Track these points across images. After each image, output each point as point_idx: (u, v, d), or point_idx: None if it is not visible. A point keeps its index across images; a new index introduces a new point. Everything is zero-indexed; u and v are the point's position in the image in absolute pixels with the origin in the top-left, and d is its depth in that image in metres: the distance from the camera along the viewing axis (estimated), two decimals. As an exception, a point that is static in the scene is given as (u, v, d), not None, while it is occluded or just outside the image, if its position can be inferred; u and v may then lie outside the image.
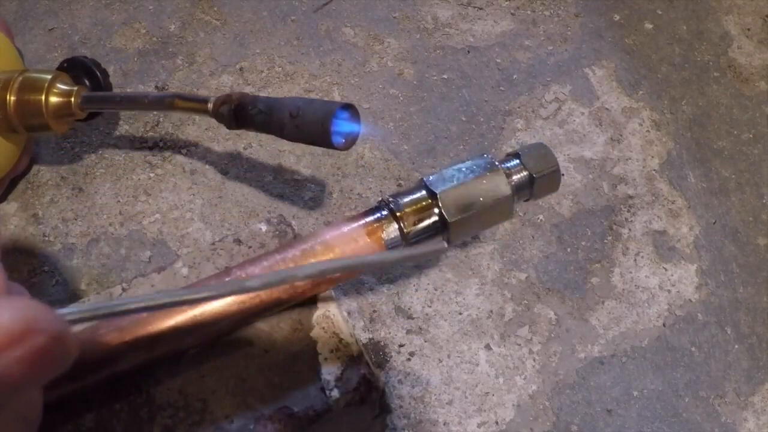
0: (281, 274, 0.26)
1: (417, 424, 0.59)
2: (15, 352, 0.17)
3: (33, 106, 0.57)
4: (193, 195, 0.69)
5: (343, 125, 0.49)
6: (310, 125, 0.49)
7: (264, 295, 0.35)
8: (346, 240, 0.37)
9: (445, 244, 0.35)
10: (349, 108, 0.49)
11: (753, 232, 0.72)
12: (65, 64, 0.67)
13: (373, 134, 0.49)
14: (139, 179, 0.70)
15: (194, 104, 0.56)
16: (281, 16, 0.84)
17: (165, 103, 0.57)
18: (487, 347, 0.63)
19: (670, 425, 0.61)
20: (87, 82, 0.66)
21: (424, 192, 0.39)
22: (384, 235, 0.38)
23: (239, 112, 0.53)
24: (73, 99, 0.58)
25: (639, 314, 0.66)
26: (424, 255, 0.34)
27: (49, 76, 0.58)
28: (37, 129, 0.59)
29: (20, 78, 0.57)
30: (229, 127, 0.55)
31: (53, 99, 0.58)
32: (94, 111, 0.64)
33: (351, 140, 0.51)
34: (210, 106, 0.55)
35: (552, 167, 0.44)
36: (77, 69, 0.66)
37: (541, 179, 0.43)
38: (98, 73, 0.66)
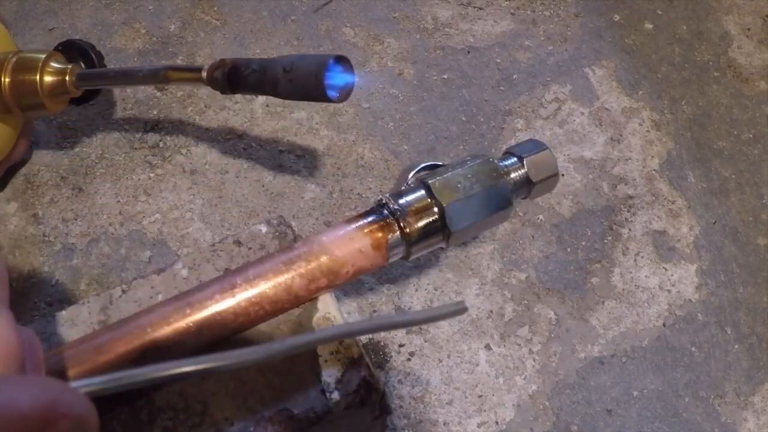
0: (307, 337, 0.26)
1: (417, 424, 0.59)
2: None
3: (28, 85, 0.57)
4: (193, 195, 0.69)
5: (337, 78, 0.49)
6: (303, 78, 0.48)
7: (269, 307, 0.35)
8: (347, 243, 0.37)
9: (466, 306, 0.35)
10: (342, 60, 0.49)
11: (753, 232, 0.72)
12: (60, 47, 0.67)
13: (368, 83, 0.49)
14: (139, 179, 0.70)
15: (188, 74, 0.56)
16: (281, 16, 0.84)
17: (159, 75, 0.57)
18: (487, 347, 0.63)
19: (670, 425, 0.61)
20: (82, 65, 0.66)
21: (423, 192, 0.39)
22: (386, 237, 0.38)
23: (233, 75, 0.53)
24: (67, 77, 0.58)
25: (639, 314, 0.66)
26: (445, 316, 0.34)
27: (42, 56, 0.58)
28: (32, 108, 0.59)
29: (14, 59, 0.57)
30: (223, 92, 0.54)
31: (48, 78, 0.58)
32: (90, 89, 0.64)
33: (346, 92, 0.50)
34: (204, 74, 0.55)
35: (552, 173, 0.44)
36: (72, 51, 0.66)
37: (540, 184, 0.43)
38: (93, 55, 0.66)
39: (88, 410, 0.15)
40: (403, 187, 0.41)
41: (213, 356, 0.25)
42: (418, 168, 0.42)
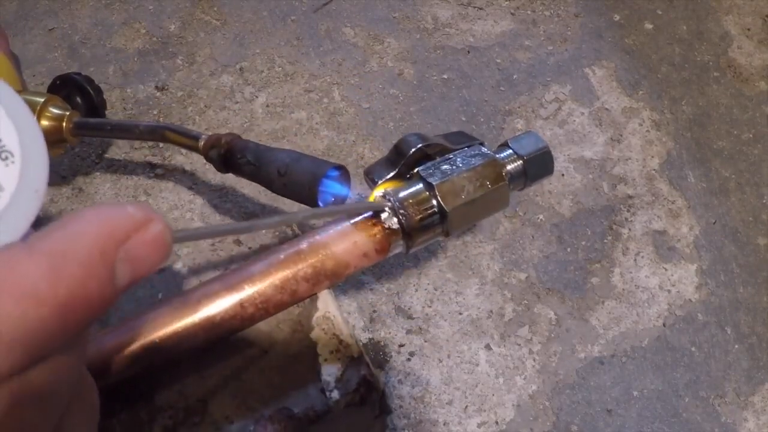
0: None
1: (417, 424, 0.59)
2: (143, 235, 0.19)
3: None
4: (193, 195, 0.69)
5: (332, 186, 0.49)
6: (297, 186, 0.48)
7: (269, 307, 0.35)
8: (347, 237, 0.37)
9: (387, 203, 0.37)
10: (338, 168, 0.49)
11: (753, 232, 0.72)
12: (58, 81, 0.67)
13: (360, 195, 0.49)
14: (139, 179, 0.70)
15: (185, 140, 0.56)
16: (281, 16, 0.84)
17: (156, 134, 0.57)
18: (487, 347, 0.63)
19: (670, 425, 0.61)
20: (79, 100, 0.66)
21: (420, 185, 0.39)
22: (388, 235, 0.38)
23: (228, 158, 0.53)
24: (65, 124, 0.58)
25: (639, 314, 0.66)
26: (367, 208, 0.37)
27: (41, 99, 0.58)
28: None
29: None
30: (218, 170, 0.55)
31: (45, 123, 0.57)
32: (86, 136, 0.64)
33: (339, 202, 0.50)
34: (200, 144, 0.55)
35: (542, 149, 0.44)
36: (70, 86, 0.66)
37: (532, 160, 0.43)
38: (91, 91, 0.66)
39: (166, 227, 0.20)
40: (394, 171, 0.41)
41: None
42: (413, 151, 0.41)
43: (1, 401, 0.18)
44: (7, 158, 0.20)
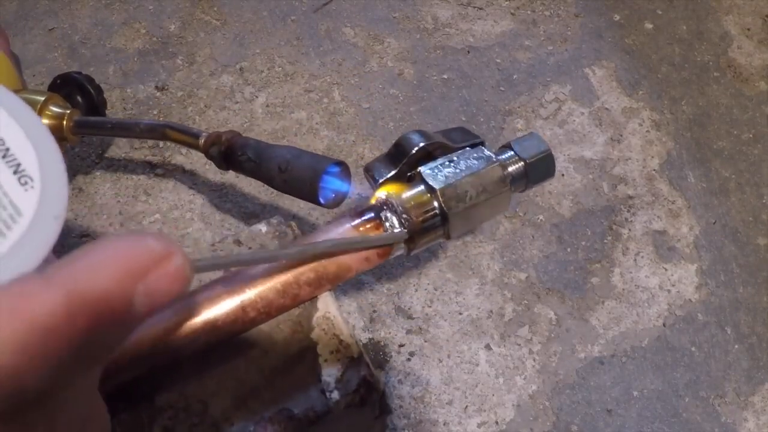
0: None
1: (417, 424, 0.59)
2: (163, 269, 0.19)
3: None
4: (193, 195, 0.69)
5: (332, 182, 0.49)
6: (298, 182, 0.48)
7: (270, 309, 0.35)
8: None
9: (405, 233, 0.37)
10: (339, 164, 0.49)
11: (753, 232, 0.72)
12: (59, 81, 0.67)
13: (361, 193, 0.49)
14: (139, 179, 0.70)
15: (186, 137, 0.57)
16: (281, 16, 0.84)
17: (157, 132, 0.57)
18: (487, 347, 0.63)
19: (670, 425, 0.61)
20: (80, 99, 0.66)
21: (422, 187, 0.39)
22: (387, 232, 0.38)
23: (228, 156, 0.53)
24: (65, 122, 0.58)
25: (639, 314, 0.66)
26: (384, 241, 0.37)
27: (42, 98, 0.58)
28: None
29: None
30: (219, 167, 0.55)
31: (45, 121, 0.57)
32: (86, 135, 0.64)
33: (339, 198, 0.50)
34: (201, 142, 0.55)
35: (544, 152, 0.44)
36: (70, 86, 0.66)
37: (534, 164, 0.43)
38: (91, 90, 0.66)
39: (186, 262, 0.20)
40: (395, 170, 0.41)
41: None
42: (415, 150, 0.41)
43: (14, 426, 0.18)
44: (26, 183, 0.19)
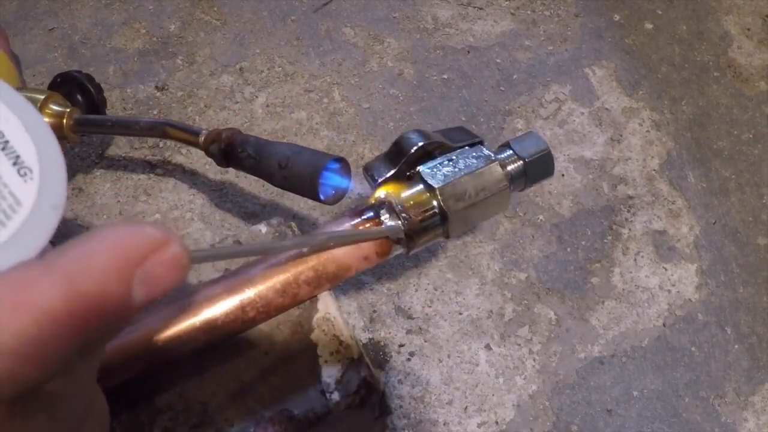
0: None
1: (417, 424, 0.59)
2: (161, 256, 0.19)
3: None
4: (193, 195, 0.69)
5: (332, 179, 0.49)
6: (298, 179, 0.48)
7: (270, 308, 0.35)
8: (353, 248, 0.37)
9: (400, 227, 0.37)
10: (339, 161, 0.49)
11: (753, 232, 0.72)
12: (59, 79, 0.67)
13: (361, 192, 0.49)
14: (139, 179, 0.70)
15: (186, 135, 0.57)
16: (281, 16, 0.84)
17: (157, 130, 0.58)
18: (487, 347, 0.63)
19: (670, 425, 0.61)
20: (80, 98, 0.66)
21: (421, 186, 0.39)
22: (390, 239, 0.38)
23: (229, 153, 0.53)
24: (65, 120, 0.58)
25: (639, 314, 0.66)
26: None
27: (42, 96, 0.58)
28: None
29: None
30: (219, 165, 0.55)
31: (45, 120, 0.57)
32: (87, 134, 0.64)
33: (339, 195, 0.50)
34: (201, 139, 0.55)
35: (543, 150, 0.44)
36: (71, 84, 0.66)
37: (533, 162, 0.43)
38: (91, 89, 0.66)
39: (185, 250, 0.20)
40: (394, 169, 0.41)
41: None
42: (414, 150, 0.41)
43: (15, 415, 0.18)
44: (25, 174, 0.19)
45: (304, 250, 0.36)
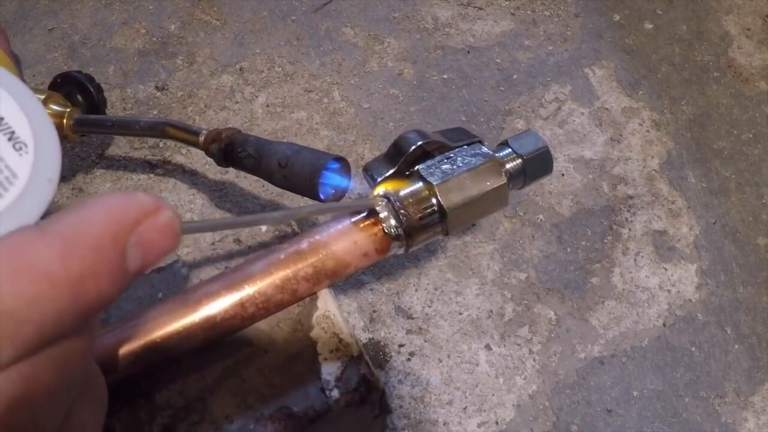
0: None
1: (417, 424, 0.59)
2: (154, 221, 0.20)
3: None
4: (193, 195, 0.69)
5: (332, 178, 0.49)
6: (298, 178, 0.48)
7: (270, 306, 0.35)
8: (348, 236, 0.37)
9: (383, 199, 0.37)
10: (339, 160, 0.49)
11: (753, 232, 0.72)
12: (59, 79, 0.67)
13: (361, 190, 0.49)
14: (139, 179, 0.70)
15: (186, 135, 0.57)
16: (281, 16, 0.84)
17: (157, 130, 0.58)
18: (487, 347, 0.63)
19: (670, 425, 0.61)
20: (80, 98, 0.66)
21: (420, 184, 0.39)
22: (385, 229, 0.38)
23: (229, 152, 0.53)
24: (65, 120, 0.58)
25: (639, 314, 0.66)
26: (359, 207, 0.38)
27: (42, 96, 0.58)
28: None
29: None
30: (219, 164, 0.55)
31: None
32: (87, 133, 0.64)
33: (339, 194, 0.50)
34: (201, 139, 0.55)
35: (542, 148, 0.44)
36: (71, 84, 0.66)
37: (531, 160, 0.43)
38: (92, 89, 0.66)
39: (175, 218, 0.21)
40: (394, 168, 0.41)
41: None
42: (413, 149, 0.41)
43: (12, 383, 0.18)
44: (20, 148, 0.20)
45: (293, 223, 0.37)
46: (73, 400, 0.22)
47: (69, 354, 0.20)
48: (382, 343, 0.63)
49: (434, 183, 0.38)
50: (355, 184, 0.50)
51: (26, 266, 0.17)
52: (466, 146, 0.42)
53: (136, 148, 0.72)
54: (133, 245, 0.20)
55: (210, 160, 0.71)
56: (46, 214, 0.20)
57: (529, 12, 0.87)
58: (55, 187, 0.20)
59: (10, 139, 0.20)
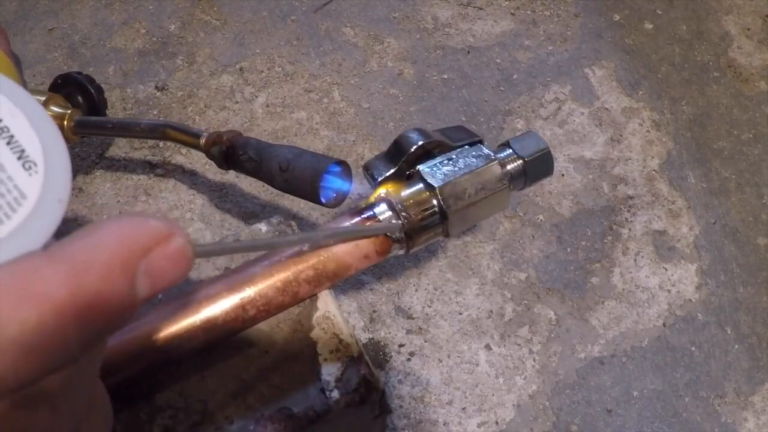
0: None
1: (417, 424, 0.59)
2: (165, 248, 0.19)
3: None
4: (193, 195, 0.69)
5: (333, 181, 0.49)
6: (299, 181, 0.48)
7: (270, 307, 0.35)
8: (353, 247, 0.37)
9: (399, 224, 0.37)
10: (340, 164, 0.49)
11: (753, 232, 0.72)
12: (59, 81, 0.67)
13: (361, 193, 0.49)
14: (139, 179, 0.70)
15: (186, 137, 0.57)
16: (281, 16, 0.84)
17: (158, 131, 0.58)
18: (487, 347, 0.63)
19: (670, 425, 0.61)
20: (81, 99, 0.66)
21: (421, 185, 0.39)
22: (389, 237, 0.38)
23: (230, 155, 0.53)
24: (66, 122, 0.58)
25: (639, 314, 0.66)
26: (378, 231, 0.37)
27: (42, 98, 0.58)
28: None
29: None
30: (219, 167, 0.55)
31: None
32: (87, 135, 0.64)
33: (340, 198, 0.50)
34: (202, 142, 0.55)
35: (543, 149, 0.44)
36: (71, 86, 0.66)
37: (532, 161, 0.43)
38: (92, 90, 0.66)
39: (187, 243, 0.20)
40: (394, 168, 0.41)
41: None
42: (414, 148, 0.42)
43: (17, 408, 0.18)
44: (30, 168, 0.20)
45: (305, 246, 0.36)
46: (80, 420, 0.22)
47: (75, 378, 0.20)
48: (382, 343, 0.63)
49: (436, 185, 0.38)
50: (356, 186, 0.50)
51: (32, 292, 0.17)
52: (467, 147, 0.42)
53: (136, 149, 0.72)
54: (143, 273, 0.19)
55: (210, 160, 0.71)
56: (56, 232, 0.20)
57: (529, 12, 0.87)
58: (64, 208, 0.20)
59: (20, 158, 0.20)
